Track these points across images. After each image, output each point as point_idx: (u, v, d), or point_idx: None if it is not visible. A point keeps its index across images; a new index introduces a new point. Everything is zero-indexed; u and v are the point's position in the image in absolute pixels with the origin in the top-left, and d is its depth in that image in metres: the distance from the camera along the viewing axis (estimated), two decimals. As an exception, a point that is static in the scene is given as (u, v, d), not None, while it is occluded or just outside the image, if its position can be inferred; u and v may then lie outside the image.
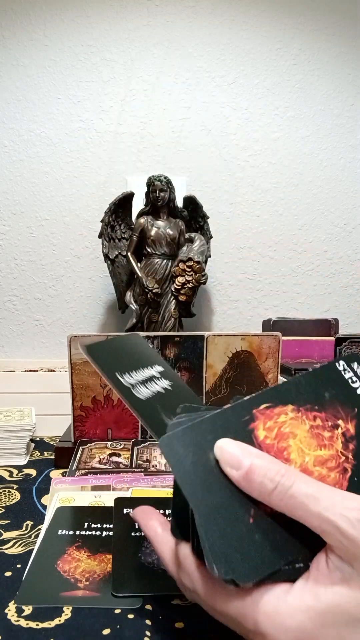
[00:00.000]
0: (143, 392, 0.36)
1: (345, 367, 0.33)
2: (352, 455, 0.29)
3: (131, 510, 0.53)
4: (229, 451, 0.28)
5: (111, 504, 0.54)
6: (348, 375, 0.33)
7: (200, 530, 0.26)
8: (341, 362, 0.33)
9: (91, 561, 0.45)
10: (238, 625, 0.27)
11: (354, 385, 0.32)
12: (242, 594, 0.26)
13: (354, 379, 0.33)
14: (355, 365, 0.33)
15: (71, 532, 0.49)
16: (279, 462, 0.28)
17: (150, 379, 0.38)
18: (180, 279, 0.95)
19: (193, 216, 1.01)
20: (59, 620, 0.37)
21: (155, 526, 0.34)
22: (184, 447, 0.29)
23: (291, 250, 1.15)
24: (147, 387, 0.37)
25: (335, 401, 0.31)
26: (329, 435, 0.30)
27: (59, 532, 0.49)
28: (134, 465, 0.66)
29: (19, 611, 0.38)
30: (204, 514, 0.26)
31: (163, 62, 1.08)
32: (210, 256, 1.03)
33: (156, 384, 0.38)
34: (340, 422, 0.30)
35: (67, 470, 0.65)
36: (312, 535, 0.26)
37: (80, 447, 0.70)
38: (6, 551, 0.48)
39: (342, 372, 0.33)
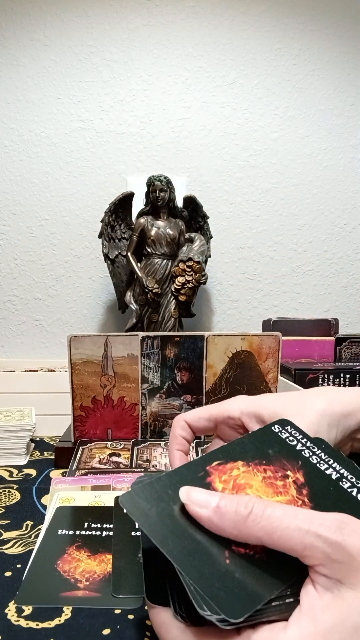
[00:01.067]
0: None
1: (280, 429, 0.36)
2: (308, 499, 0.30)
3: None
4: (196, 492, 0.28)
5: (111, 504, 0.54)
6: (284, 435, 0.36)
7: (182, 576, 0.25)
8: (276, 426, 0.37)
9: (91, 561, 0.45)
10: None
11: (292, 443, 0.35)
12: (237, 635, 0.25)
13: (291, 438, 0.35)
14: (288, 427, 0.36)
15: (71, 532, 0.49)
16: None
17: None
18: (180, 279, 0.95)
19: (193, 216, 1.01)
20: (59, 620, 0.37)
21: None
22: (147, 501, 0.29)
23: (291, 250, 1.15)
24: None
25: (279, 456, 0.34)
26: (281, 484, 0.31)
27: (59, 532, 0.49)
28: (134, 465, 0.66)
29: (19, 611, 0.38)
30: (179, 559, 0.26)
31: (163, 62, 1.08)
32: (210, 256, 1.03)
33: None
34: (289, 472, 0.32)
35: (67, 470, 0.65)
36: (294, 568, 0.26)
37: (80, 447, 0.70)
38: (6, 551, 0.48)
39: (279, 434, 0.36)
